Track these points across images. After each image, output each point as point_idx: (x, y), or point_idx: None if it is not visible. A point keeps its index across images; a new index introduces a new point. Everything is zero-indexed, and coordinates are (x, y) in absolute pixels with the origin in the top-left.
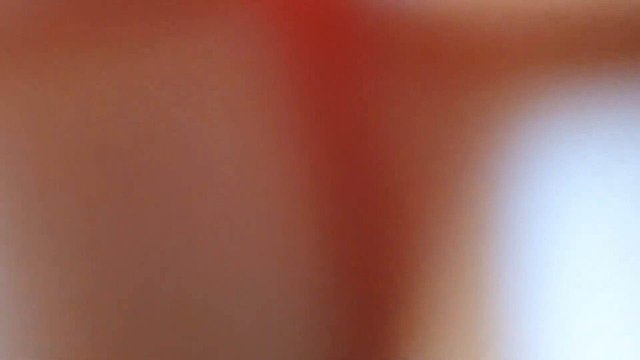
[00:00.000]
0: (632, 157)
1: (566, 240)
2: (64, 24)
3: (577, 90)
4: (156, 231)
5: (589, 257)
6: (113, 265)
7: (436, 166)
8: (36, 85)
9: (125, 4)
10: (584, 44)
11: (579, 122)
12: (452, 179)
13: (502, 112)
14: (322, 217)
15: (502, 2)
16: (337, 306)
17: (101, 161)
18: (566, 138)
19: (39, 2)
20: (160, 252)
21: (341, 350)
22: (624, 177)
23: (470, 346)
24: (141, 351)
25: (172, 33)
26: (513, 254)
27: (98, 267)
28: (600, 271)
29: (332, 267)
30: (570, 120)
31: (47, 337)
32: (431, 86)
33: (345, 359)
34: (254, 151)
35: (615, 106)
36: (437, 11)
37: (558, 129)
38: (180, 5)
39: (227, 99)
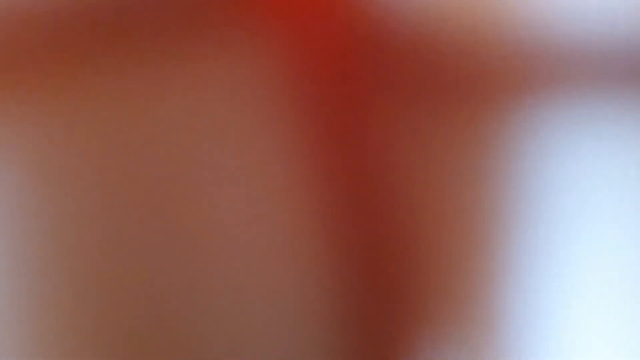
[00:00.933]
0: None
1: (573, 239)
2: (69, 45)
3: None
4: (163, 235)
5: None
6: (123, 270)
7: (441, 169)
8: (50, 100)
9: (126, 26)
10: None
11: (583, 131)
12: (457, 180)
13: (505, 123)
14: (329, 221)
15: (503, 19)
16: (346, 307)
17: (106, 173)
18: (570, 145)
19: (40, 25)
20: (169, 256)
21: (350, 350)
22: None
23: (480, 345)
24: (150, 352)
25: (174, 50)
26: (523, 254)
27: (109, 273)
28: (608, 268)
29: (339, 268)
30: (574, 130)
31: (56, 338)
32: (436, 98)
33: (354, 358)
34: (260, 159)
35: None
36: (440, 26)
37: (563, 140)
38: (180, 23)
39: (231, 110)
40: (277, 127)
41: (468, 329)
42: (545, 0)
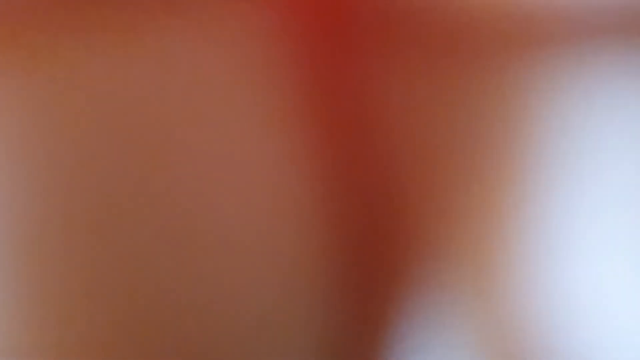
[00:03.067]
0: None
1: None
2: (56, 13)
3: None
4: (157, 230)
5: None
6: (118, 265)
7: (451, 159)
8: (23, 79)
9: None
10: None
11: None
12: (468, 170)
13: (517, 96)
14: (332, 214)
15: None
16: (346, 305)
17: (99, 160)
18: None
19: None
20: (162, 252)
21: (347, 349)
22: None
23: (485, 297)
24: (146, 350)
25: (174, 26)
26: (541, 246)
27: (103, 268)
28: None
29: (342, 265)
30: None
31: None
32: (443, 75)
33: (352, 357)
34: (259, 149)
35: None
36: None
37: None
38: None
39: (230, 93)
40: (278, 85)
41: (470, 284)
42: None
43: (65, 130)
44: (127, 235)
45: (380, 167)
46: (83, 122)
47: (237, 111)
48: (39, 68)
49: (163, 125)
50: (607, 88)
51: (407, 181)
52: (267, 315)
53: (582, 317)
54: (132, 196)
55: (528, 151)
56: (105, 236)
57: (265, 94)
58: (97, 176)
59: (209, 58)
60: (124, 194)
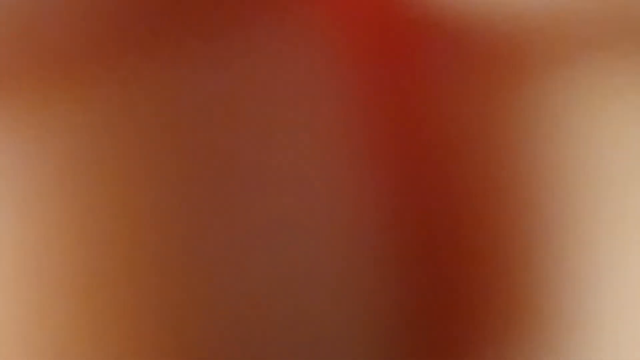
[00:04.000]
0: None
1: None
2: (133, 26)
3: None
4: (231, 229)
5: None
6: (196, 265)
7: (510, 164)
8: (107, 89)
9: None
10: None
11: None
12: (525, 175)
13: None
14: (394, 215)
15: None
16: (409, 306)
17: (175, 162)
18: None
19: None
20: (238, 250)
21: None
22: None
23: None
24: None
25: (240, 30)
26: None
27: (180, 267)
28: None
29: (404, 267)
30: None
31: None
32: (501, 84)
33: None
34: (324, 149)
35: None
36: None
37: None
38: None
39: (297, 96)
40: (344, 109)
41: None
42: None
43: (146, 130)
44: (204, 237)
45: (446, 163)
46: (164, 121)
47: (307, 110)
48: (110, 79)
49: (234, 129)
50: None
51: (474, 178)
52: (339, 314)
53: None
54: (214, 197)
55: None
56: (184, 239)
57: (336, 97)
58: (171, 177)
59: (278, 64)
60: (207, 195)
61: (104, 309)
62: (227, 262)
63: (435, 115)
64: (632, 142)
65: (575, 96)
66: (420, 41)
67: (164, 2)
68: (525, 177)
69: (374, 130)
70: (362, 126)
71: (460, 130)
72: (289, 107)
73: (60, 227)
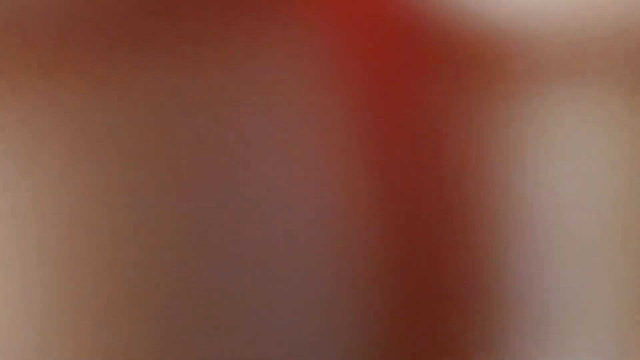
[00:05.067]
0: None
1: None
2: (128, 23)
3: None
4: (226, 232)
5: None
6: (195, 265)
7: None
8: (98, 89)
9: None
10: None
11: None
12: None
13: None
14: (387, 218)
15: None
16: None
17: (166, 164)
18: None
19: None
20: (230, 252)
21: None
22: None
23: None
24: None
25: (241, 33)
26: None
27: (176, 268)
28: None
29: (399, 269)
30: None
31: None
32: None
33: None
34: (320, 152)
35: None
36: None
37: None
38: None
39: (292, 100)
40: (339, 113)
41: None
42: None
43: (144, 133)
44: (197, 238)
45: (441, 168)
46: (160, 127)
47: (303, 117)
48: (117, 77)
49: (233, 131)
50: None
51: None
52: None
53: None
54: (208, 199)
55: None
56: (180, 241)
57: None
58: (171, 176)
59: (278, 67)
60: (201, 196)
61: (106, 306)
62: (223, 256)
63: (427, 119)
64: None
65: (553, 110)
66: (414, 45)
67: (165, 4)
68: (509, 182)
69: (368, 130)
70: (357, 127)
71: (452, 132)
72: (288, 108)
73: (57, 227)
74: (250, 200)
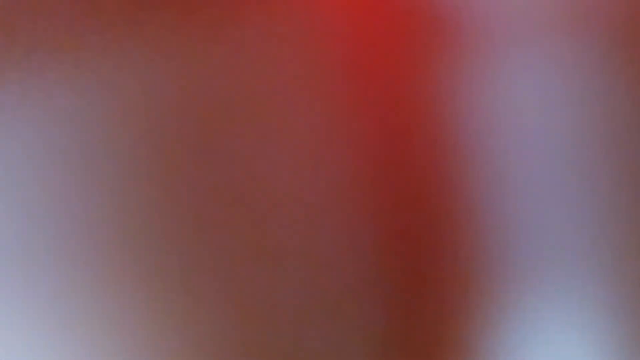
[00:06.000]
0: None
1: None
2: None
3: None
4: (223, 232)
5: None
6: (194, 265)
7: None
8: (96, 70)
9: None
10: None
11: None
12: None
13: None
14: (378, 214)
15: None
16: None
17: (169, 156)
18: None
19: None
20: (237, 249)
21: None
22: None
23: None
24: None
25: (238, 22)
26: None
27: (182, 265)
28: None
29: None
30: None
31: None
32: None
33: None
34: (315, 148)
35: None
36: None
37: None
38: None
39: (290, 92)
40: (334, 106)
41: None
42: None
43: (146, 123)
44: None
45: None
46: (162, 116)
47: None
48: (127, 58)
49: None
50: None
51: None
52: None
53: None
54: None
55: None
56: (184, 239)
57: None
58: (175, 168)
59: (279, 58)
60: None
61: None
62: (223, 258)
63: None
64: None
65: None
66: (409, 34)
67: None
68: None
69: (362, 129)
70: (351, 125)
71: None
72: (282, 104)
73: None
74: (248, 200)
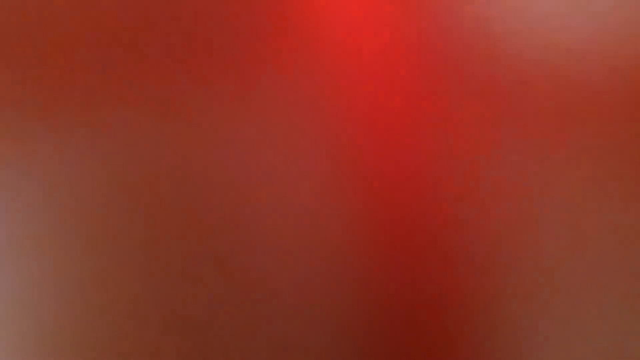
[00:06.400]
0: None
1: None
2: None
3: None
4: (220, 234)
5: None
6: (193, 266)
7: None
8: (101, 123)
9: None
10: None
11: None
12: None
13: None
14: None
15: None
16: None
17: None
18: None
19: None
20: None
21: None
22: None
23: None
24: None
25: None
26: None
27: (178, 267)
28: None
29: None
30: None
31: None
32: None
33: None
34: (309, 161)
35: None
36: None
37: None
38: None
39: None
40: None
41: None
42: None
43: (143, 171)
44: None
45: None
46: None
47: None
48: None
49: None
50: None
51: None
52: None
53: None
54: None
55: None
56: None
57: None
58: (171, 200)
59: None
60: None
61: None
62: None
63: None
64: None
65: None
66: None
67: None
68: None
69: (360, 135)
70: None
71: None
72: (282, 103)
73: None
74: (246, 201)
